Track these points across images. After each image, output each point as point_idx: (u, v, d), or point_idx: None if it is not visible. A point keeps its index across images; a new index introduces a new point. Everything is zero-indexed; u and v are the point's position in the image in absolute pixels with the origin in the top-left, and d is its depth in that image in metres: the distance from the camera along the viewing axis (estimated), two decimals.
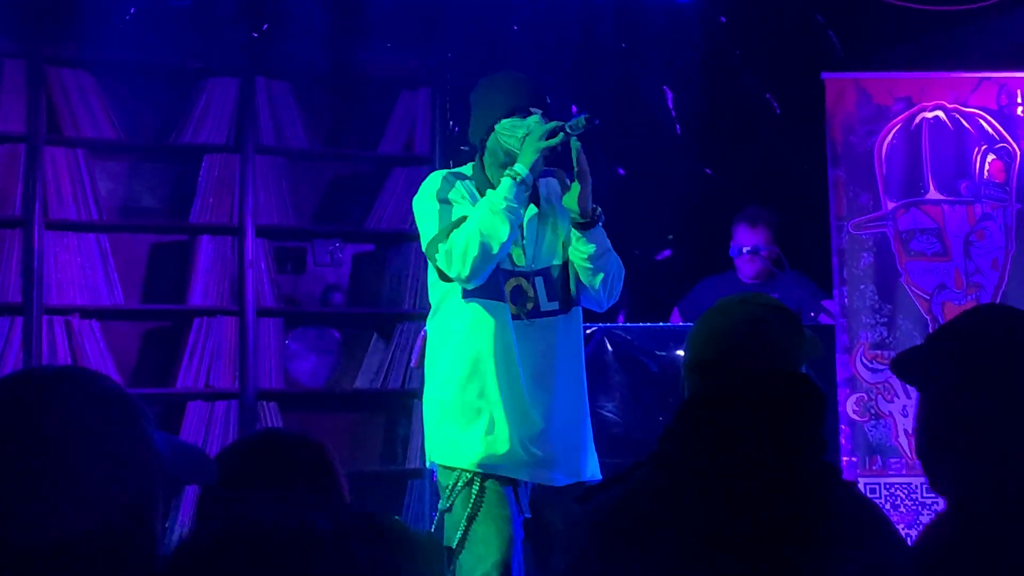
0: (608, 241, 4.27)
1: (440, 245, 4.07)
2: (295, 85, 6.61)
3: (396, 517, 2.35)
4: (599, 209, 4.21)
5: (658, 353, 5.61)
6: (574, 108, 4.16)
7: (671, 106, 7.42)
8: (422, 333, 5.88)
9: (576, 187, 4.17)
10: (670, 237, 7.23)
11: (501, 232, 3.99)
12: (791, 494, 2.07)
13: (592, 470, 4.25)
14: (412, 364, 5.90)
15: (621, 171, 7.31)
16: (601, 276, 4.24)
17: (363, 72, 6.75)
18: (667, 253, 7.42)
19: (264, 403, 6.33)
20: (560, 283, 4.27)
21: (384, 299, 6.71)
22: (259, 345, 6.37)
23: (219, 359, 6.32)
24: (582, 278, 4.25)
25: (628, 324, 6.47)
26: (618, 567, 2.11)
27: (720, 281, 6.42)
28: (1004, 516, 1.98)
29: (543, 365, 4.22)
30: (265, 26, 6.44)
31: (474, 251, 3.98)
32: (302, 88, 6.65)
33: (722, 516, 2.05)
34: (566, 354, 4.28)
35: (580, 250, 4.22)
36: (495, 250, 4.00)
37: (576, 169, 4.16)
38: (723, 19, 7.32)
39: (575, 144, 4.12)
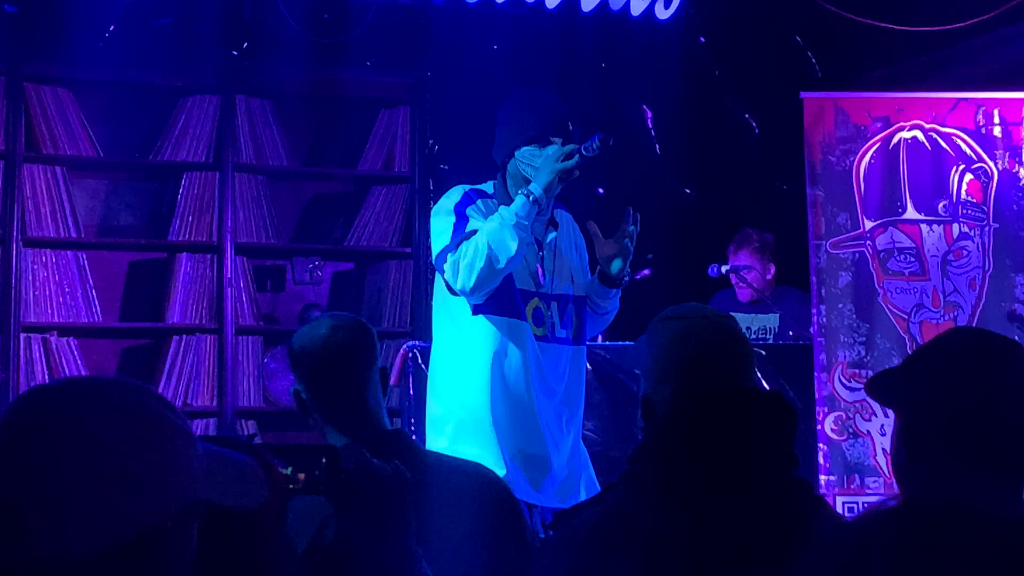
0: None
1: (449, 255, 4.06)
2: (275, 103, 6.62)
3: None
4: (627, 276, 4.36)
5: (636, 371, 5.60)
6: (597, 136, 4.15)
7: (650, 125, 7.44)
8: (402, 351, 5.89)
9: (618, 262, 4.30)
10: (649, 256, 7.22)
11: (509, 247, 3.98)
12: (765, 510, 2.08)
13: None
14: (392, 382, 5.88)
15: (600, 190, 7.32)
16: (605, 319, 4.48)
17: (343, 91, 6.76)
18: (646, 272, 7.42)
19: (243, 421, 6.32)
20: (573, 314, 4.32)
21: (363, 317, 6.65)
22: (238, 363, 6.36)
23: (198, 377, 6.31)
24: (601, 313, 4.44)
25: (607, 343, 6.47)
26: None
27: (729, 295, 6.49)
28: (981, 536, 1.98)
29: (556, 387, 4.24)
30: (245, 44, 6.44)
31: (480, 263, 3.97)
32: (282, 106, 6.66)
33: (697, 533, 2.05)
34: (575, 382, 4.33)
35: (596, 300, 4.37)
36: (501, 264, 3.98)
37: (628, 245, 4.30)
38: (703, 39, 7.34)
39: (631, 229, 4.29)
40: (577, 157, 4.10)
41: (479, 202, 4.20)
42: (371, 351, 2.97)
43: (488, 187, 4.31)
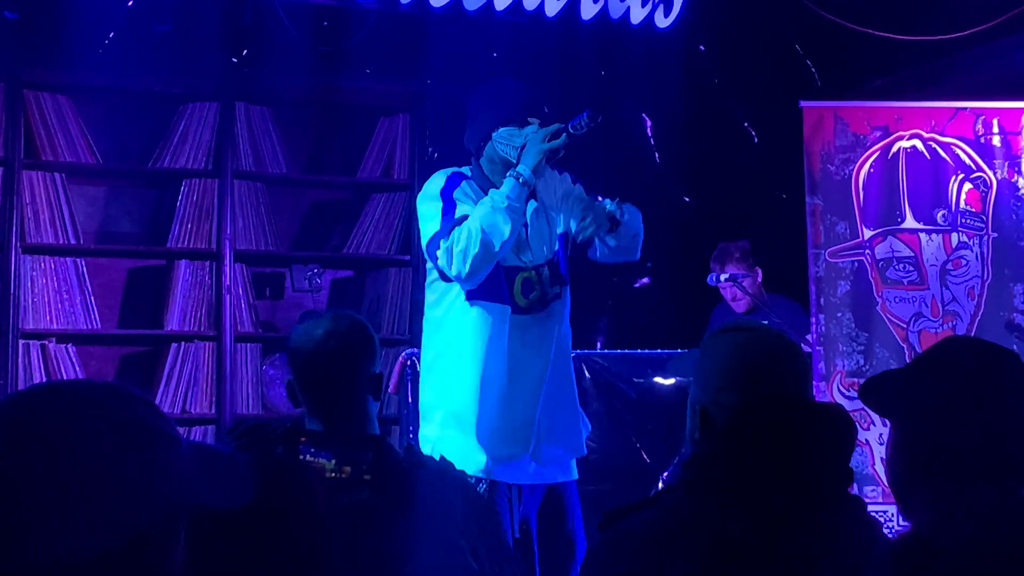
0: (633, 211, 4.30)
1: (442, 242, 4.04)
2: (274, 111, 6.62)
3: None
4: (621, 209, 4.23)
5: (635, 380, 5.62)
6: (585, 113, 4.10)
7: (650, 134, 7.44)
8: (400, 358, 5.88)
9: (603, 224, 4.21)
10: (649, 265, 7.23)
11: (503, 230, 3.98)
12: (820, 522, 2.09)
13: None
14: (390, 390, 5.88)
15: (600, 199, 7.32)
16: (638, 235, 4.33)
17: (342, 98, 6.76)
18: (645, 280, 7.42)
19: None
20: (558, 267, 4.29)
21: None
22: (236, 370, 6.36)
23: (196, 384, 6.31)
24: (621, 250, 4.30)
25: (605, 351, 6.48)
26: None
27: (726, 308, 6.50)
28: (979, 543, 1.98)
29: (539, 368, 4.21)
30: (245, 52, 6.44)
31: (475, 248, 3.96)
32: (281, 114, 6.66)
33: (757, 539, 2.06)
34: (562, 345, 4.28)
35: (622, 234, 4.24)
36: (496, 248, 3.98)
37: (617, 224, 4.21)
38: (702, 47, 7.34)
39: (620, 213, 4.17)
40: (564, 136, 4.08)
41: (464, 184, 4.19)
42: (365, 357, 3.01)
43: (466, 171, 4.29)
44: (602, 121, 4.05)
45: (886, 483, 5.45)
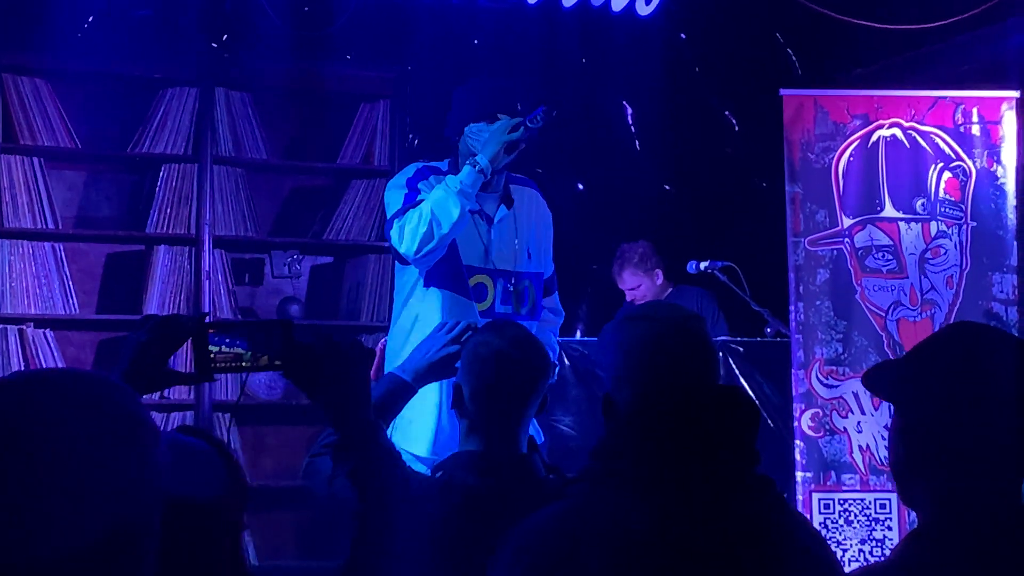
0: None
1: (395, 221, 4.23)
2: (255, 96, 6.59)
3: None
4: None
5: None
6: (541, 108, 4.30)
7: (630, 122, 7.44)
8: (380, 346, 5.87)
9: None
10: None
11: (452, 212, 4.14)
12: (727, 507, 2.07)
13: None
14: (371, 377, 5.86)
15: (580, 186, 7.33)
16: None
17: (323, 84, 6.74)
18: None
19: (220, 415, 6.30)
20: (516, 291, 4.41)
21: (342, 311, 6.70)
22: None
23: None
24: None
25: (585, 339, 6.48)
26: None
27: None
28: (979, 533, 1.98)
29: None
30: (225, 37, 6.42)
31: (423, 228, 4.13)
32: (261, 99, 6.63)
33: (660, 529, 2.04)
34: None
35: None
36: (445, 229, 4.14)
37: None
38: (683, 36, 7.35)
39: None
40: (523, 129, 4.27)
41: (431, 178, 4.36)
42: None
43: (444, 165, 4.47)
44: (556, 115, 4.28)
45: (864, 471, 5.47)
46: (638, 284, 6.69)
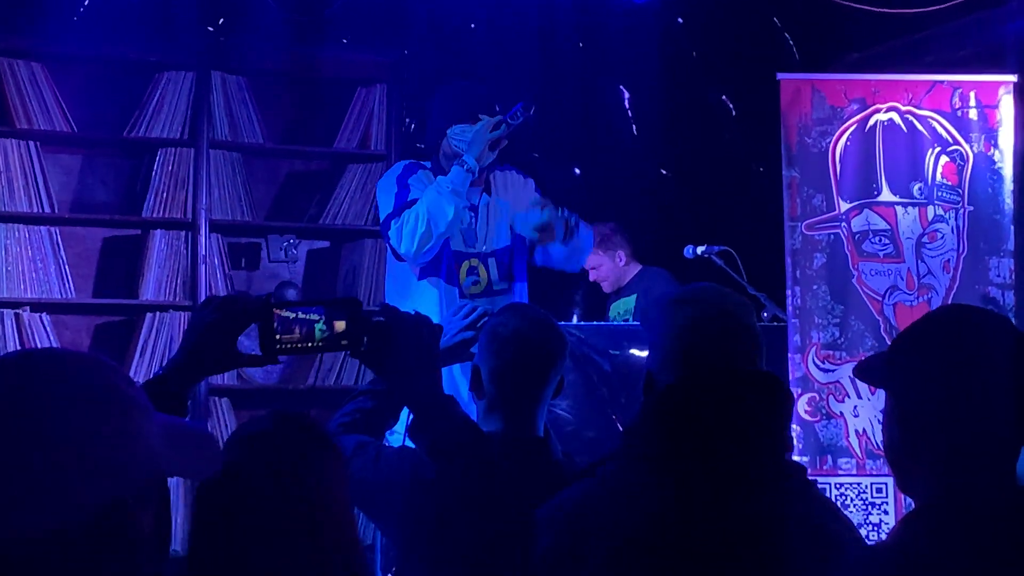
0: (586, 227, 4.69)
1: (393, 222, 4.52)
2: (251, 80, 6.58)
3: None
4: (573, 220, 4.54)
5: (611, 352, 5.61)
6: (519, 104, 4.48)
7: (627, 106, 7.43)
8: None
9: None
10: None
11: (446, 212, 4.46)
12: (758, 491, 2.08)
13: None
14: None
15: (577, 170, 7.32)
16: (585, 251, 4.80)
17: (320, 68, 6.72)
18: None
19: (216, 399, 6.30)
20: (508, 264, 4.70)
21: (339, 295, 6.69)
22: None
23: (171, 354, 6.27)
24: (566, 260, 4.68)
25: (582, 323, 6.48)
26: (585, 566, 2.09)
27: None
28: (975, 514, 1.98)
29: None
30: (221, 20, 6.40)
31: (421, 228, 4.44)
32: (258, 83, 6.62)
33: (684, 511, 2.05)
34: None
35: (574, 246, 4.61)
36: (441, 229, 4.46)
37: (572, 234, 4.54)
38: (680, 20, 7.33)
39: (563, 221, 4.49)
40: (504, 127, 4.54)
41: (420, 173, 4.67)
42: None
43: (427, 165, 4.77)
44: (534, 112, 4.55)
45: (860, 455, 5.48)
46: (599, 264, 6.76)
